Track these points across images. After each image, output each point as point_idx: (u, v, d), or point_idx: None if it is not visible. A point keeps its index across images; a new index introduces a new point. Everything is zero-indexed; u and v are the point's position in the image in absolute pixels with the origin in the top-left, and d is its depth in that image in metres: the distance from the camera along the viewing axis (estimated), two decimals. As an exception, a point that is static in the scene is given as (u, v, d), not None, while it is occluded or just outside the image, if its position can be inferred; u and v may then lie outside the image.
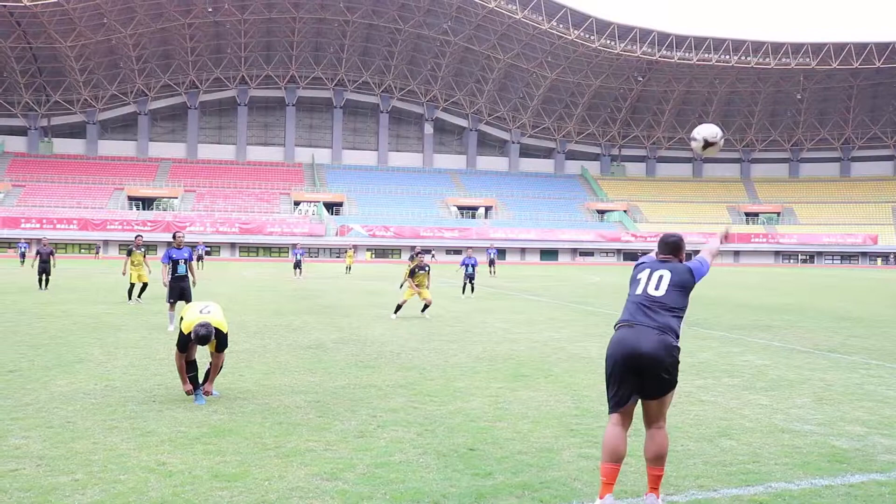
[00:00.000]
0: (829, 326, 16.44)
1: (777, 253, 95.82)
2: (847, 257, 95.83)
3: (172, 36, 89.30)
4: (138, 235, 21.17)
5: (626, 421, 4.83)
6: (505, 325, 15.70)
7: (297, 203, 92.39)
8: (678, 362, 4.78)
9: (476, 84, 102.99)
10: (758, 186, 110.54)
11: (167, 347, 11.46)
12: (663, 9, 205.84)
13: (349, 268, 44.44)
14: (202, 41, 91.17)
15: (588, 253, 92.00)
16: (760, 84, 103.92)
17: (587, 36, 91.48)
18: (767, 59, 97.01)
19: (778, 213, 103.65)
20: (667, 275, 4.93)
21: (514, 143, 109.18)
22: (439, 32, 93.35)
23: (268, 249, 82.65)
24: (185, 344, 7.71)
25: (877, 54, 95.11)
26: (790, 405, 7.99)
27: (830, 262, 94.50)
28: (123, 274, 20.46)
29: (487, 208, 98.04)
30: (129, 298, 20.06)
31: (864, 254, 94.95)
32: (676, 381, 4.82)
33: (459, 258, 36.83)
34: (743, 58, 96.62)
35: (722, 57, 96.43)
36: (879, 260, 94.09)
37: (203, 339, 7.50)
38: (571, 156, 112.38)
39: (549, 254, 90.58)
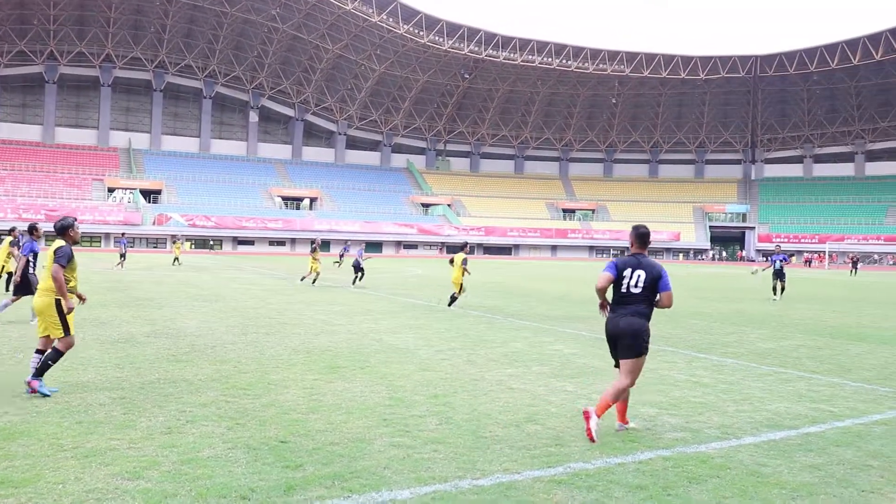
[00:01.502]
0: (633, 317, 17.49)
1: (591, 248, 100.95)
2: (654, 253, 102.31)
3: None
4: (14, 228, 19.22)
5: None
6: (324, 317, 15.63)
7: (111, 190, 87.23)
8: (645, 337, 6.64)
9: (304, 73, 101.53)
10: (575, 184, 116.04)
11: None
12: (490, 9, 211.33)
13: (177, 259, 41.76)
14: (3, 9, 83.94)
15: (412, 245, 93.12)
16: (580, 87, 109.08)
17: (416, 31, 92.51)
18: (586, 64, 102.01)
19: (593, 210, 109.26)
20: (643, 275, 6.68)
21: (340, 134, 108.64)
22: (267, 18, 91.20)
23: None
24: (70, 255, 7.90)
25: (682, 66, 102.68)
26: (593, 391, 8.47)
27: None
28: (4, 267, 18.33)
29: (312, 200, 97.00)
30: (7, 289, 18.25)
31: (668, 249, 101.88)
32: (644, 351, 6.66)
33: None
34: (564, 61, 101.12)
35: (545, 59, 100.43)
36: (681, 255, 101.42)
37: (68, 220, 8.14)
38: (398, 149, 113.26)
39: (373, 246, 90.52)
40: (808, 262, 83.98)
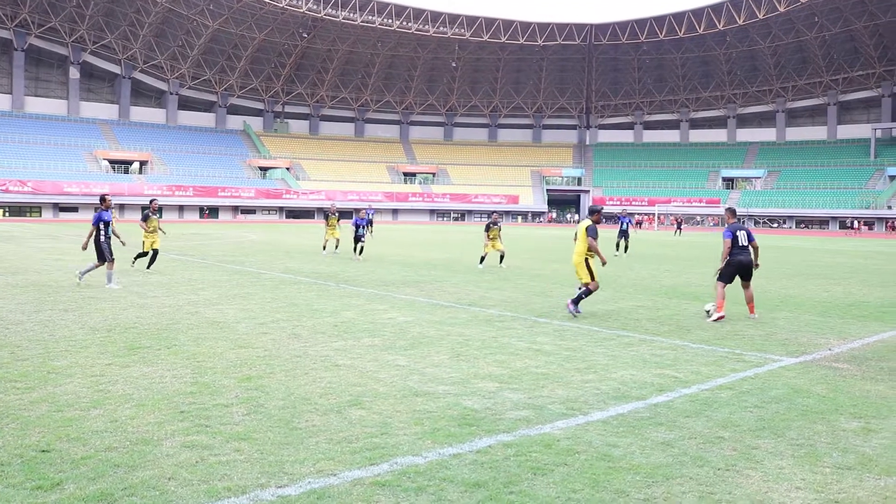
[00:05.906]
0: (472, 280, 16.99)
1: (432, 211, 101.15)
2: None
3: None
4: (153, 199, 18.93)
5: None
6: (139, 289, 14.06)
7: None
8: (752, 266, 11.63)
9: (130, 27, 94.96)
10: (415, 148, 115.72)
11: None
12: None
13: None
14: None
15: (250, 210, 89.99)
16: (420, 50, 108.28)
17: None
18: (427, 27, 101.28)
19: (433, 174, 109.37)
20: (745, 234, 11.48)
21: (172, 94, 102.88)
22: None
23: None
24: (595, 232, 11.85)
25: (521, 32, 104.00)
26: (427, 364, 7.71)
27: (479, 219, 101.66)
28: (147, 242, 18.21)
29: (143, 163, 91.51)
30: (133, 264, 18.71)
31: (507, 212, 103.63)
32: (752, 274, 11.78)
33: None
34: (405, 23, 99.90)
35: (385, 20, 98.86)
36: (520, 218, 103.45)
37: (597, 206, 12.26)
38: (234, 110, 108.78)
39: (209, 211, 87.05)
40: (640, 223, 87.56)
